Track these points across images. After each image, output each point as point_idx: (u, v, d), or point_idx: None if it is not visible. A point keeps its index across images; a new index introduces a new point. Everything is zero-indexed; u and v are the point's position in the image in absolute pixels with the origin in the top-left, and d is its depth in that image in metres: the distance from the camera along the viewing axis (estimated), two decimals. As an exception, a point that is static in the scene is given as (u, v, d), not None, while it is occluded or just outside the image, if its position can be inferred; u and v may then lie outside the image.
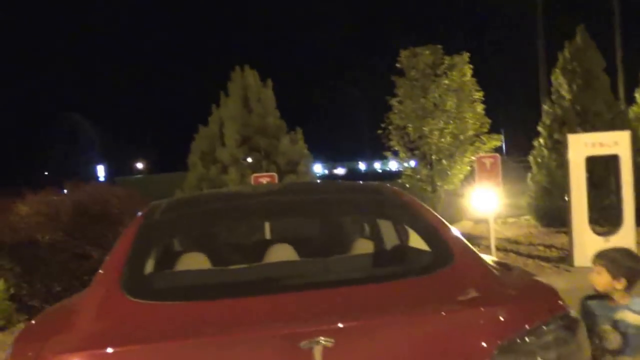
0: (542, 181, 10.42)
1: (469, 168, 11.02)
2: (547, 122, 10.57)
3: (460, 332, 1.53)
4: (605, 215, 7.98)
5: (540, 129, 10.74)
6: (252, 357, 1.46)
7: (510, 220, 11.55)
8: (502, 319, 1.56)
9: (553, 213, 9.83)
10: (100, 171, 44.03)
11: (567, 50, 10.53)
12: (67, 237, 6.07)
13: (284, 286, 1.89)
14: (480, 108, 10.69)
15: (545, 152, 10.52)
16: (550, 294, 1.73)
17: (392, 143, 10.82)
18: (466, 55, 10.72)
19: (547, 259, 7.73)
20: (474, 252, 2.00)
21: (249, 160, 7.60)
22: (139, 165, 48.51)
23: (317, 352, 1.40)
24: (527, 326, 1.54)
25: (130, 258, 1.95)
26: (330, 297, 1.67)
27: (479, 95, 10.84)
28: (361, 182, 3.76)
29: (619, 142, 7.30)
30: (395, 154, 11.03)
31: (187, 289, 2.00)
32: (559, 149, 9.82)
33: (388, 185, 2.85)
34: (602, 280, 2.19)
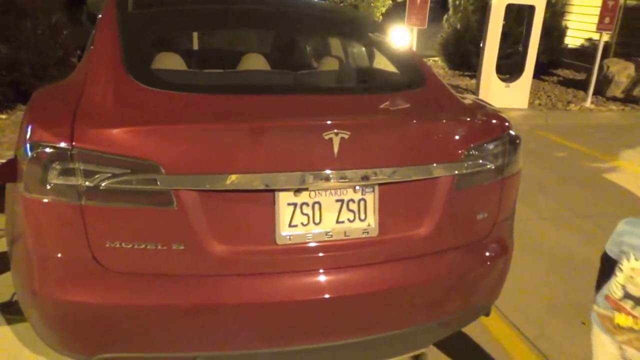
0: (457, 24, 10.72)
1: (391, 2, 10.97)
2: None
3: (442, 136, 1.87)
4: (506, 64, 8.58)
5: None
6: (282, 144, 1.64)
7: (421, 60, 11.97)
8: (471, 130, 1.92)
9: (462, 56, 10.36)
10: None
11: None
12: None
13: (292, 88, 2.07)
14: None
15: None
16: (500, 115, 2.08)
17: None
18: None
19: (452, 99, 8.36)
20: (438, 76, 2.28)
21: None
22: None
23: (336, 142, 1.63)
24: (487, 137, 1.92)
25: (126, 47, 1.90)
26: (341, 100, 1.94)
27: None
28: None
29: (539, -7, 7.61)
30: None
31: (199, 84, 2.05)
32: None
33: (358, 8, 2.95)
34: None
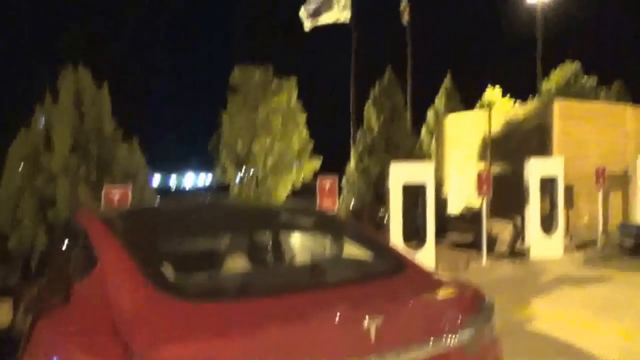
0: (352, 202, 11.69)
1: (289, 187, 11.78)
2: (359, 148, 11.91)
3: (444, 315, 2.10)
4: (408, 233, 9.34)
5: (352, 153, 12.04)
6: (332, 337, 1.80)
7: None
8: (464, 304, 2.18)
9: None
10: None
11: (377, 87, 12.11)
12: None
13: (314, 284, 2.28)
14: (304, 133, 11.53)
15: (356, 175, 11.84)
16: (475, 288, 2.34)
17: (222, 158, 10.91)
18: (294, 79, 11.49)
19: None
20: (411, 259, 2.55)
21: None
22: None
23: (372, 327, 1.84)
24: (475, 309, 2.17)
25: (139, 260, 1.95)
26: (359, 290, 2.15)
27: (302, 118, 11.68)
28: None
29: (427, 172, 8.73)
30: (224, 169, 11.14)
31: (224, 290, 2.16)
32: (368, 173, 11.26)
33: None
34: None
